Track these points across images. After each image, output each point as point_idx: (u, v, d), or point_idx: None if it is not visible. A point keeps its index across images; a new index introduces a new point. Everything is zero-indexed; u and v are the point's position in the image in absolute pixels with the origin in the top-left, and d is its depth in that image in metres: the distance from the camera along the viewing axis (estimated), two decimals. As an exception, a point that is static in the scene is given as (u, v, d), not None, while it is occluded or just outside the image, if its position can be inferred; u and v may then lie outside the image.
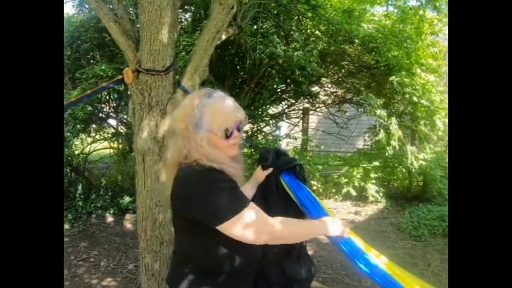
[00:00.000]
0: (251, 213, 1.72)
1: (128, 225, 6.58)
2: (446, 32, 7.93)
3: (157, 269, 3.19)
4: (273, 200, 2.22)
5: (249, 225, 1.70)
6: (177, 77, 3.37)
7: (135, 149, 3.12)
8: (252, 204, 1.76)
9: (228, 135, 1.84)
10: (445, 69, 8.19)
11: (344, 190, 8.59)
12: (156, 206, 3.07)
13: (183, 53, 5.25)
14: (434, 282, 5.10)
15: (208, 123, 1.80)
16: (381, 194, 8.65)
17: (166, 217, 3.10)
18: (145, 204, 3.09)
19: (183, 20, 6.60)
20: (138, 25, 3.07)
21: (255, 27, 5.89)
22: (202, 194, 1.72)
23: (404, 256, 5.79)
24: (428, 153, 8.45)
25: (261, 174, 2.29)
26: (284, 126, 10.51)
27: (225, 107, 1.86)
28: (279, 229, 1.77)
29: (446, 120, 8.25)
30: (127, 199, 6.94)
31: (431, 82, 7.83)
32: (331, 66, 7.51)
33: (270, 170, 2.26)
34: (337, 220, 2.01)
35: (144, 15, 2.85)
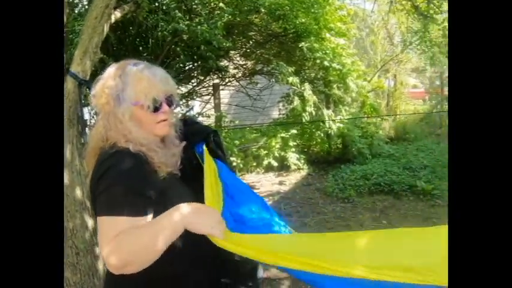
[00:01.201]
0: (116, 225, 1.35)
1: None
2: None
3: (78, 281, 2.85)
4: (188, 179, 1.78)
5: (103, 239, 1.36)
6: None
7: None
8: (135, 220, 1.37)
9: (156, 108, 1.53)
10: (354, 31, 8.28)
11: (265, 162, 8.51)
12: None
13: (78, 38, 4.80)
14: None
15: (132, 93, 1.49)
16: (303, 161, 8.70)
17: (76, 223, 2.75)
18: (51, 212, 2.71)
19: (79, 4, 6.10)
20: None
21: (156, 4, 5.52)
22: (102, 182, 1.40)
23: (335, 220, 5.79)
24: (344, 115, 8.53)
25: None
26: (196, 105, 10.24)
27: (152, 74, 1.54)
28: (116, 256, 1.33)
29: (359, 81, 8.39)
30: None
31: (341, 45, 7.89)
32: (239, 38, 7.28)
33: (184, 143, 1.82)
34: (202, 210, 1.51)
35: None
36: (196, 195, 1.64)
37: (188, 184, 1.70)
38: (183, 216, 1.42)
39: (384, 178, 7.41)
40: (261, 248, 1.57)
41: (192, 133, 1.92)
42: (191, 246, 1.48)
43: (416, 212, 6.29)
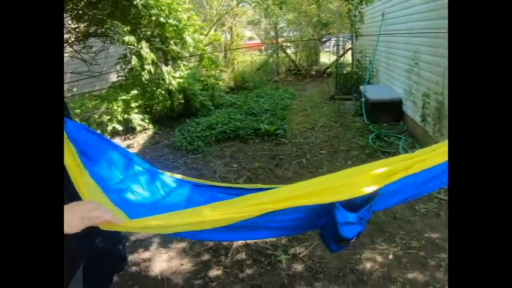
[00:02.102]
0: None
1: None
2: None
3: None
4: None
5: None
6: None
7: None
8: None
9: None
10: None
11: (109, 128, 8.31)
12: None
13: None
14: (223, 179, 5.61)
15: None
16: (147, 121, 8.63)
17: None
18: None
19: None
20: None
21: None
22: None
23: (189, 171, 5.97)
24: (183, 70, 8.62)
25: None
26: (28, 77, 9.60)
27: None
28: None
29: (196, 36, 8.50)
30: None
31: (177, 1, 7.89)
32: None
33: None
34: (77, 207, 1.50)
35: None
36: None
37: None
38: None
39: (228, 126, 7.81)
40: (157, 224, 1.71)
41: None
42: None
43: (263, 152, 6.79)
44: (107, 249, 2.14)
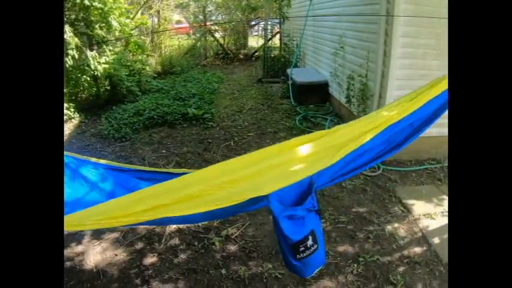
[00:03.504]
0: None
1: None
2: None
3: None
4: None
5: None
6: None
7: None
8: None
9: None
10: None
11: (32, 119, 7.94)
12: None
13: None
14: (153, 165, 5.52)
15: None
16: (73, 110, 8.29)
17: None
18: None
19: None
20: None
21: None
22: None
23: (117, 159, 5.86)
24: (109, 55, 8.39)
25: None
26: None
27: None
28: None
29: (122, 19, 8.27)
30: None
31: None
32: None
33: None
34: None
35: None
36: None
37: None
38: None
39: (156, 111, 7.73)
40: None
41: None
42: None
43: (192, 136, 6.80)
44: None
